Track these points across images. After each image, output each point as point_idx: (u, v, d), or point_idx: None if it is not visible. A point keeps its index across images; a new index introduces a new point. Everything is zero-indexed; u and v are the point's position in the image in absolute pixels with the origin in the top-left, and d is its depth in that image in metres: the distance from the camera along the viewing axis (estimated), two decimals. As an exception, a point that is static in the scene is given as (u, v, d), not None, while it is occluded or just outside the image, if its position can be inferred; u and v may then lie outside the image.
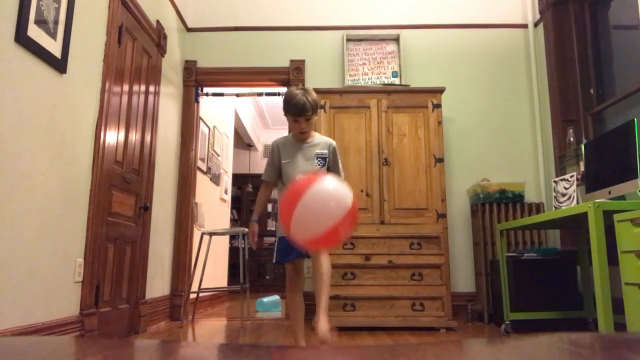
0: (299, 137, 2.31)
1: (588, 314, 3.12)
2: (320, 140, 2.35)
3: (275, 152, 2.34)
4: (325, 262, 2.11)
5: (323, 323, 2.03)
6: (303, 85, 4.09)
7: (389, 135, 3.49)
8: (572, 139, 3.51)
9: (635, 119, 2.37)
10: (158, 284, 3.55)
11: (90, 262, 2.51)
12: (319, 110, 2.30)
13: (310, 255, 2.19)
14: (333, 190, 1.77)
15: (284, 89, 4.23)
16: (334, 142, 2.37)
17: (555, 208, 3.11)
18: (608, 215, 2.11)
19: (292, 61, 4.14)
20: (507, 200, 3.62)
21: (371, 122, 3.50)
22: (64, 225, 2.32)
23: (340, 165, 2.39)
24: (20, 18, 1.98)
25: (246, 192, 8.35)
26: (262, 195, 2.42)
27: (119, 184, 2.88)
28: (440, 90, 3.58)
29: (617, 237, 2.04)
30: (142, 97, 3.23)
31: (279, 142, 2.37)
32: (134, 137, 3.10)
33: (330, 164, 2.34)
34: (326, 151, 2.32)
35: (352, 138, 3.46)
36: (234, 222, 7.96)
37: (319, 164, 2.29)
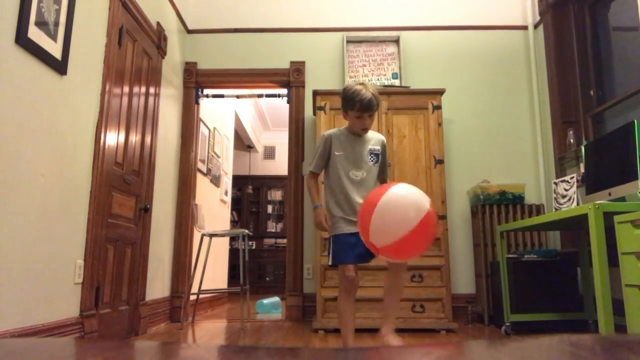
0: (357, 133, 2.26)
1: (588, 315, 3.11)
2: (372, 135, 2.32)
3: (327, 143, 2.27)
4: (403, 275, 2.08)
5: (393, 337, 2.01)
6: (303, 84, 4.09)
7: (389, 136, 3.48)
8: (572, 140, 3.51)
9: (636, 121, 2.37)
10: (158, 285, 3.55)
11: (90, 263, 2.51)
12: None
13: (372, 258, 2.11)
14: (408, 195, 1.82)
15: (284, 91, 4.24)
16: (384, 138, 2.36)
17: (556, 209, 3.11)
18: (608, 217, 2.11)
19: (292, 63, 4.14)
20: (507, 202, 3.62)
21: (371, 123, 3.50)
22: (64, 226, 2.32)
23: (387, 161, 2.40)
24: (21, 19, 1.98)
25: (246, 194, 8.35)
26: (314, 184, 2.31)
27: (119, 186, 2.88)
28: (440, 92, 3.58)
29: (618, 238, 2.04)
30: (142, 98, 3.23)
31: (333, 134, 2.29)
32: (134, 138, 3.10)
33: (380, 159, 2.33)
34: (379, 147, 2.30)
35: (352, 139, 3.45)
36: (234, 223, 7.95)
37: (372, 160, 2.26)
